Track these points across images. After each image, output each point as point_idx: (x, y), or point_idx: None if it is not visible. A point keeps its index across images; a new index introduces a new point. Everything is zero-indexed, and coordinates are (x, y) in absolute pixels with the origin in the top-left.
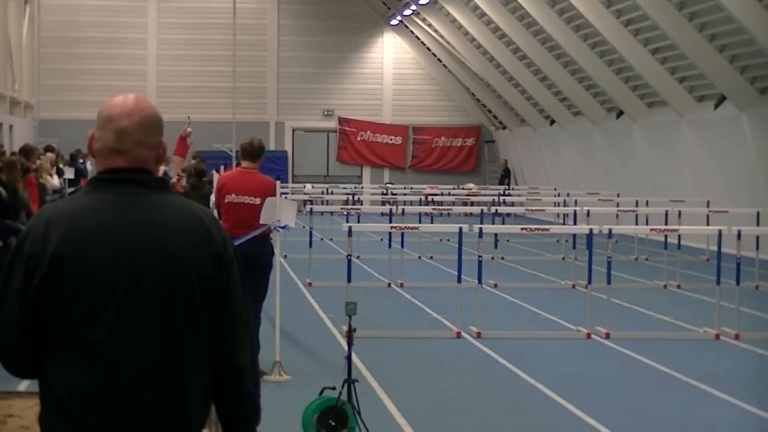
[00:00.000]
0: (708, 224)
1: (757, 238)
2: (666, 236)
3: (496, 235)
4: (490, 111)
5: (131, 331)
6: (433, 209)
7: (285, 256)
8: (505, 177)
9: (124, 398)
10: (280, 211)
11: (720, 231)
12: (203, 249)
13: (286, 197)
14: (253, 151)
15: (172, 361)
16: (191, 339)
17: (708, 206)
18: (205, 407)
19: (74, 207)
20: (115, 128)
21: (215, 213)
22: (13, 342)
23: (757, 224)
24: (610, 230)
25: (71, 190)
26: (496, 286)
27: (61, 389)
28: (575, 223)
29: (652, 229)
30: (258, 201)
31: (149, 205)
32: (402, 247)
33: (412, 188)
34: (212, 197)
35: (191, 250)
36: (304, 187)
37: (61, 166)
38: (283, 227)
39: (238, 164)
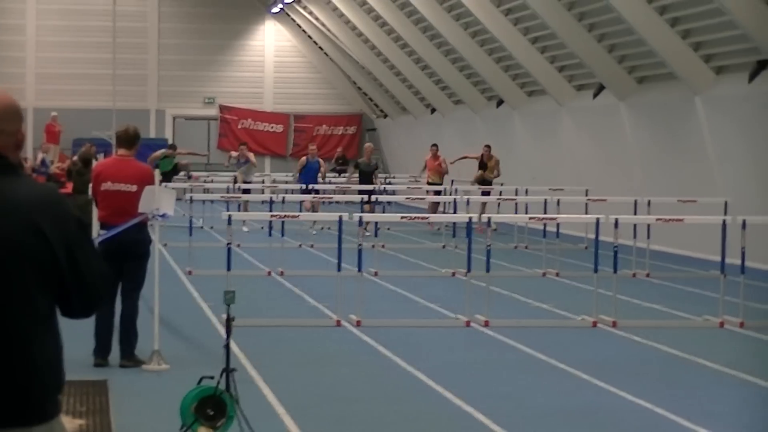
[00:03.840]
0: (586, 213)
1: (635, 226)
2: (545, 224)
3: (376, 223)
4: (371, 99)
5: None
6: (314, 197)
7: (165, 245)
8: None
9: None
10: (159, 200)
11: (598, 219)
12: (33, 230)
13: (165, 186)
14: (129, 139)
15: (10, 332)
16: (21, 312)
17: (586, 195)
18: (48, 376)
19: None
20: None
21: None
22: None
23: (635, 213)
24: (489, 218)
25: None
26: (376, 274)
27: None
28: (455, 212)
29: (531, 218)
30: (134, 188)
31: None
32: (282, 235)
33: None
34: None
35: (21, 231)
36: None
37: None
38: (162, 216)
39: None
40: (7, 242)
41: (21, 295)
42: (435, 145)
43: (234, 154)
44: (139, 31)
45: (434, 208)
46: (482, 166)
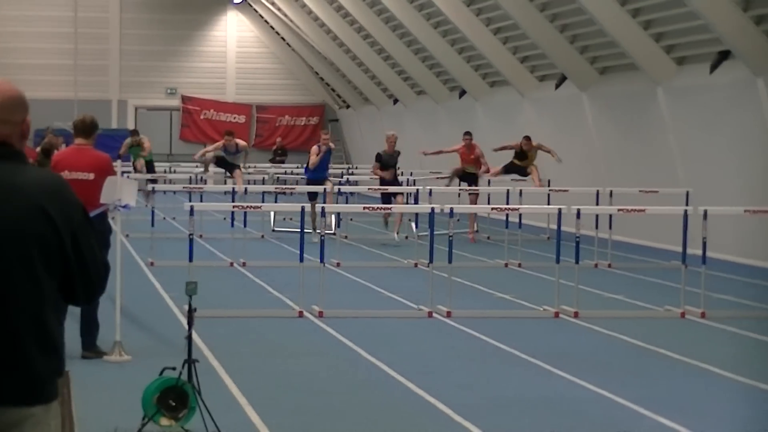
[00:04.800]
0: (548, 203)
1: (597, 217)
2: (507, 215)
3: (338, 213)
4: (333, 90)
5: None
6: (276, 188)
7: (127, 235)
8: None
9: None
10: (120, 190)
11: (560, 210)
12: (40, 213)
13: (127, 176)
14: (85, 128)
15: (18, 313)
16: (29, 293)
17: (549, 185)
18: (52, 358)
19: None
20: None
21: None
22: None
23: (597, 203)
24: (451, 209)
25: None
26: (338, 265)
27: None
28: (417, 202)
29: (493, 208)
30: (92, 176)
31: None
32: (245, 226)
33: (255, 167)
34: None
35: (28, 214)
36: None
37: None
38: (124, 206)
39: None
40: (14, 224)
41: (29, 277)
42: (469, 133)
43: (209, 147)
44: (101, 22)
45: (474, 200)
46: (520, 155)
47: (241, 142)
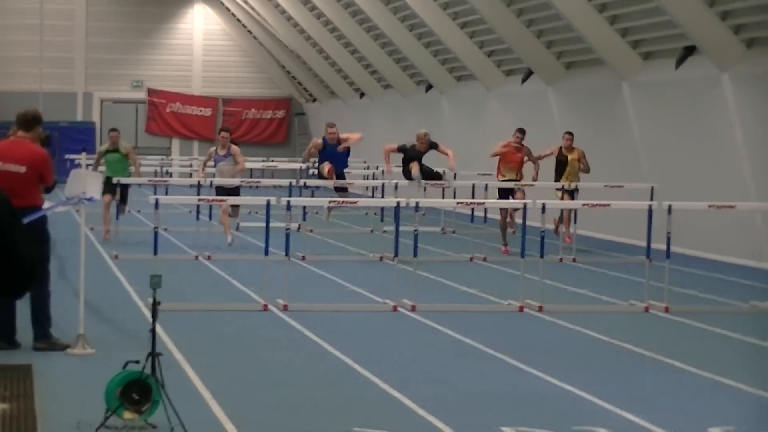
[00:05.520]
0: (514, 197)
1: (561, 211)
2: (473, 209)
3: (304, 207)
4: (300, 83)
5: None
6: (243, 182)
7: (91, 229)
8: None
9: None
10: (85, 183)
11: (525, 204)
12: None
13: (92, 169)
14: (27, 122)
15: None
16: None
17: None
18: None
19: None
20: None
21: None
22: None
23: (562, 198)
24: (417, 203)
25: None
26: (303, 258)
27: None
28: (383, 196)
29: (458, 203)
30: (23, 169)
31: None
32: (210, 219)
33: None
34: None
35: None
36: None
37: None
38: (89, 199)
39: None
40: None
41: None
42: (522, 130)
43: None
44: (67, 14)
45: (509, 217)
46: (561, 164)
47: (235, 147)
